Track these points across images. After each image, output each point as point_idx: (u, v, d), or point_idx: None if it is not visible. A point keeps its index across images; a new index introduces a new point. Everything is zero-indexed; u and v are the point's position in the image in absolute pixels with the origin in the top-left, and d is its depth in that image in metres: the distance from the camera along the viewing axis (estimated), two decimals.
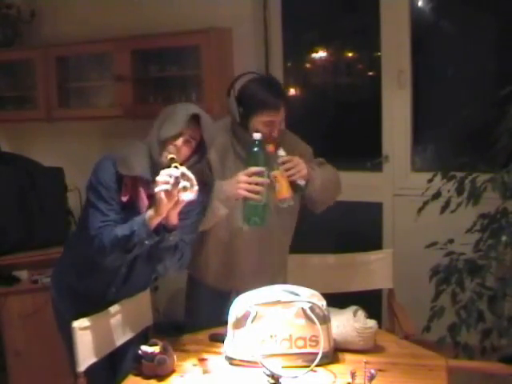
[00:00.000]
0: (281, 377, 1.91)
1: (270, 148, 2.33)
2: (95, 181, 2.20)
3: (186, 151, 2.21)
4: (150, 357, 2.01)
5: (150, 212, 2.08)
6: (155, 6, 3.91)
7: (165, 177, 2.02)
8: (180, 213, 2.12)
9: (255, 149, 2.28)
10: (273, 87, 2.45)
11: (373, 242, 3.67)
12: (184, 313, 2.75)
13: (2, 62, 4.32)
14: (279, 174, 2.32)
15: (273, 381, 1.91)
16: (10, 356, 3.35)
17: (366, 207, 3.84)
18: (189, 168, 2.09)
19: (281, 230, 2.60)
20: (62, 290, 2.42)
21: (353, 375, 1.84)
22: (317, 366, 1.97)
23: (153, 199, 2.11)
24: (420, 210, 2.97)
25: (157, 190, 2.02)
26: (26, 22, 4.24)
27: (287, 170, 2.33)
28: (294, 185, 2.35)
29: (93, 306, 2.26)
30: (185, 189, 2.02)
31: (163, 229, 2.10)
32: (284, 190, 2.32)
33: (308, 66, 4.14)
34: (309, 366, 1.95)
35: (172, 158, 2.11)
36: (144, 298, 2.46)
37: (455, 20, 3.70)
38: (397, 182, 3.76)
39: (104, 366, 2.30)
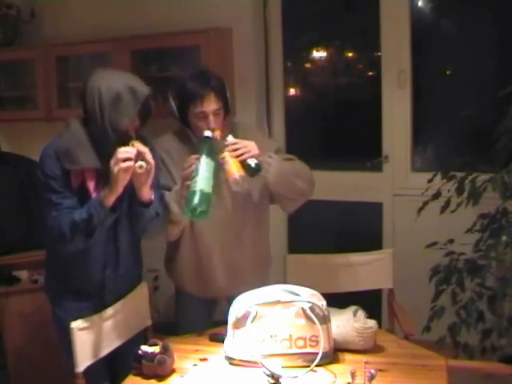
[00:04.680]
0: (281, 377, 1.91)
1: (217, 133, 2.35)
2: (42, 175, 2.20)
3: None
4: (150, 357, 2.01)
5: (106, 191, 2.11)
6: (155, 6, 3.91)
7: (125, 154, 2.06)
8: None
9: (202, 143, 2.32)
10: (197, 78, 2.45)
11: (373, 242, 3.67)
12: (177, 322, 2.73)
13: (2, 62, 4.31)
14: (227, 155, 2.30)
15: (273, 381, 1.91)
16: (10, 356, 3.35)
17: (366, 207, 3.84)
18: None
19: (243, 225, 2.54)
20: (59, 297, 2.40)
21: (353, 375, 1.84)
22: (317, 366, 1.97)
23: (101, 183, 2.17)
24: (420, 210, 2.97)
25: (120, 166, 2.05)
26: (26, 22, 4.24)
27: (235, 150, 2.31)
28: (244, 165, 2.30)
29: (94, 301, 2.27)
30: (141, 167, 2.08)
31: (140, 205, 2.18)
32: (233, 170, 2.28)
33: (308, 66, 4.14)
34: (309, 366, 1.95)
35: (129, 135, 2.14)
36: (142, 298, 2.46)
37: (455, 20, 3.71)
38: (397, 182, 3.76)
39: (102, 367, 2.29)
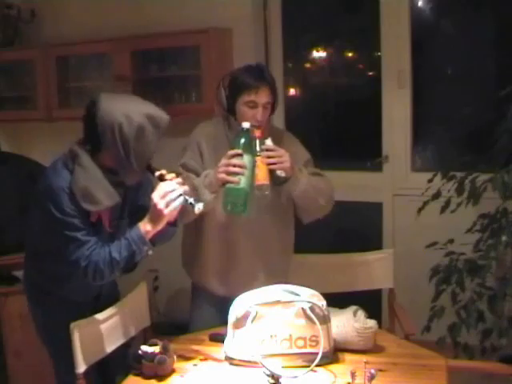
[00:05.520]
0: (281, 377, 1.91)
1: (257, 133, 2.33)
2: (61, 214, 2.08)
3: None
4: (150, 357, 2.01)
5: (147, 227, 2.08)
6: (155, 6, 3.91)
7: (175, 194, 2.05)
8: None
9: (240, 135, 2.30)
10: (254, 70, 2.48)
11: (373, 242, 3.67)
12: (189, 320, 2.72)
13: (2, 62, 4.32)
14: (260, 160, 2.30)
15: (273, 381, 1.91)
16: (10, 356, 3.34)
17: (366, 207, 3.84)
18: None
19: (276, 230, 2.57)
20: (52, 310, 2.34)
21: (353, 375, 1.84)
22: (317, 365, 1.97)
23: (114, 215, 2.17)
24: (420, 209, 2.97)
25: (173, 207, 2.04)
26: (26, 22, 4.24)
27: (269, 157, 2.31)
28: (273, 175, 2.32)
29: (87, 311, 2.26)
30: (199, 208, 2.07)
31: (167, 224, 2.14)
32: (261, 176, 2.29)
33: (308, 66, 4.14)
34: (309, 366, 1.95)
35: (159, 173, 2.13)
36: (142, 299, 2.45)
37: (455, 20, 3.71)
38: (397, 181, 3.76)
39: (93, 369, 2.25)
